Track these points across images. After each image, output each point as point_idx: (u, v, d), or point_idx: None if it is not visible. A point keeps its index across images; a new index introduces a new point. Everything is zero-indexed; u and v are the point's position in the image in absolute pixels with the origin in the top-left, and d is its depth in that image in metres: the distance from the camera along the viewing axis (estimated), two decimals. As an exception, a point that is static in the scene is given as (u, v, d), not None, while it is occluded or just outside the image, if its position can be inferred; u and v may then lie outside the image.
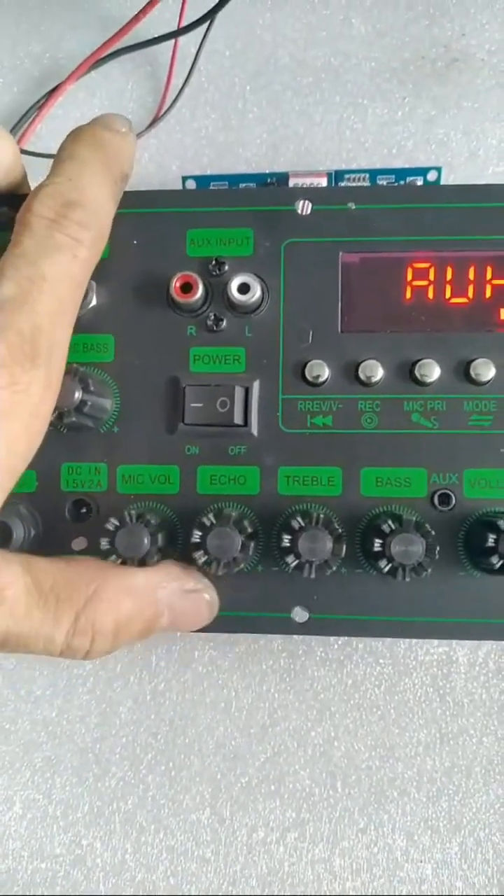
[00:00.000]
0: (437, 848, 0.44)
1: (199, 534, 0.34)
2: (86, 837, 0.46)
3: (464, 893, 0.44)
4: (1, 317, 0.30)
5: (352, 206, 0.38)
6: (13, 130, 0.51)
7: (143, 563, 0.35)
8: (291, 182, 0.44)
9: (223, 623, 0.37)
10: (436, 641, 0.45)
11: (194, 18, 0.47)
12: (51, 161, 0.35)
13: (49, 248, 0.31)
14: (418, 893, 0.44)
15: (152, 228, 0.38)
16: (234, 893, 0.45)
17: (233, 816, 0.46)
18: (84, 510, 0.38)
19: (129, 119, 0.37)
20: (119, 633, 0.33)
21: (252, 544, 0.35)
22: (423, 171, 0.45)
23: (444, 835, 0.44)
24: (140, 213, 0.37)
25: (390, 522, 0.34)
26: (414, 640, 0.46)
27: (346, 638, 0.46)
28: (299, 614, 0.37)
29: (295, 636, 0.45)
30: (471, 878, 0.44)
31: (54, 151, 0.35)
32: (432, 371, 0.36)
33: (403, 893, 0.44)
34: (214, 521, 0.34)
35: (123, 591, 0.33)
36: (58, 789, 0.47)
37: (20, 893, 0.46)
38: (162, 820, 0.46)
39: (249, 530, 0.35)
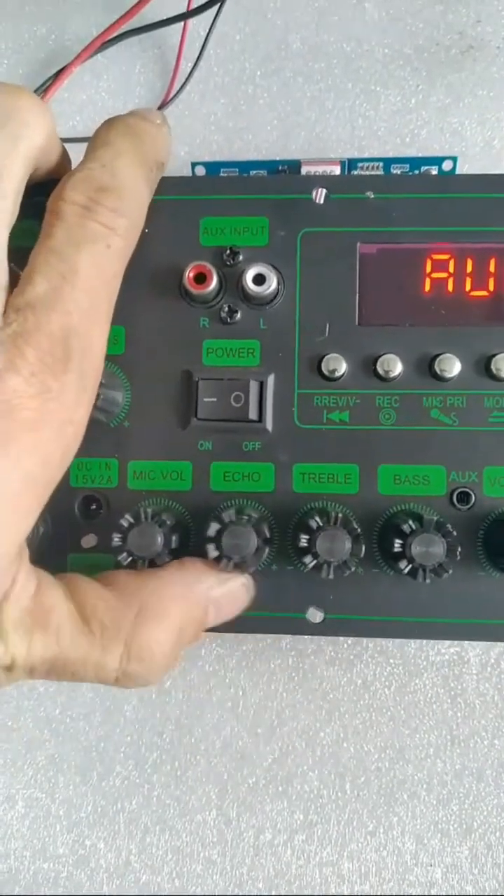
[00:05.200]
0: (448, 852, 0.44)
1: (217, 527, 0.33)
2: (89, 837, 0.46)
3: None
4: (31, 318, 0.28)
5: (370, 195, 0.36)
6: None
7: (153, 563, 0.34)
8: (304, 170, 0.43)
9: (235, 623, 0.36)
10: (447, 641, 0.45)
11: (204, 1, 0.46)
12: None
13: (81, 238, 0.30)
14: (429, 898, 0.43)
15: (164, 216, 0.37)
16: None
17: (239, 817, 0.45)
18: (94, 507, 0.37)
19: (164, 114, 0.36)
20: (176, 646, 0.32)
21: (266, 549, 0.34)
22: (438, 161, 0.44)
23: (455, 838, 0.44)
24: (152, 200, 0.36)
25: (410, 522, 0.33)
26: (425, 640, 0.45)
27: (356, 637, 0.45)
28: (314, 614, 0.36)
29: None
30: (481, 883, 0.43)
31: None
32: (452, 366, 0.35)
33: (414, 897, 0.43)
34: (234, 518, 0.33)
35: (168, 601, 0.32)
36: (61, 788, 0.46)
37: (22, 894, 0.45)
38: (167, 820, 0.45)
39: (267, 535, 0.34)
